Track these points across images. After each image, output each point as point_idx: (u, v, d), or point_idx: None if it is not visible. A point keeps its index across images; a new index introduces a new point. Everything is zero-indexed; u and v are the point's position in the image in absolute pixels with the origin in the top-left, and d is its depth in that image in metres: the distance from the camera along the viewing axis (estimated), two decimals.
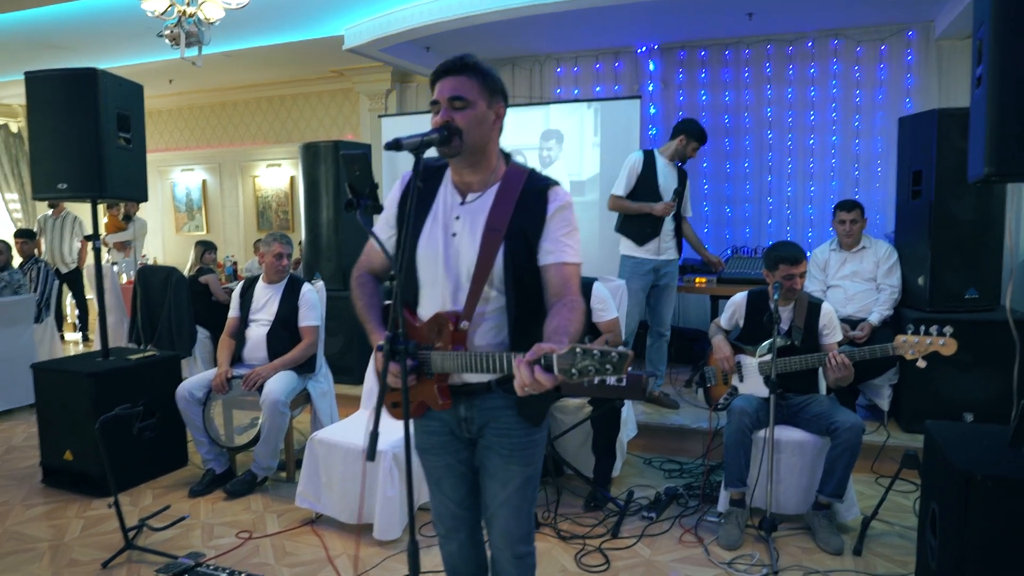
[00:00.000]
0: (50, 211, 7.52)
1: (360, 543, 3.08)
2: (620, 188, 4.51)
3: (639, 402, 4.40)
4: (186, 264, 6.72)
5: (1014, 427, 2.19)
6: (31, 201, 9.04)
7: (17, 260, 6.16)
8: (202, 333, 5.45)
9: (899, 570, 2.81)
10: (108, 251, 7.26)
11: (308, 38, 6.34)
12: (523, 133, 5.61)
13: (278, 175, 8.37)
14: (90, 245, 3.92)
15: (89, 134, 3.56)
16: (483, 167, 1.72)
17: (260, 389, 3.58)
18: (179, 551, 3.00)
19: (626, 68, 6.26)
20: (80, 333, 7.76)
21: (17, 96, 8.66)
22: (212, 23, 4.70)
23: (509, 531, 1.82)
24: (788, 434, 3.16)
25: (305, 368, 3.79)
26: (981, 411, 3.80)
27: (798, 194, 5.86)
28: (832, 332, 3.20)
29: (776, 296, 3.06)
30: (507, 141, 1.78)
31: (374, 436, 1.43)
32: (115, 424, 3.30)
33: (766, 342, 3.18)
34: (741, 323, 3.39)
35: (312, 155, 5.33)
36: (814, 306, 3.22)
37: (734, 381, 3.34)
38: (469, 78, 1.65)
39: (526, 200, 1.70)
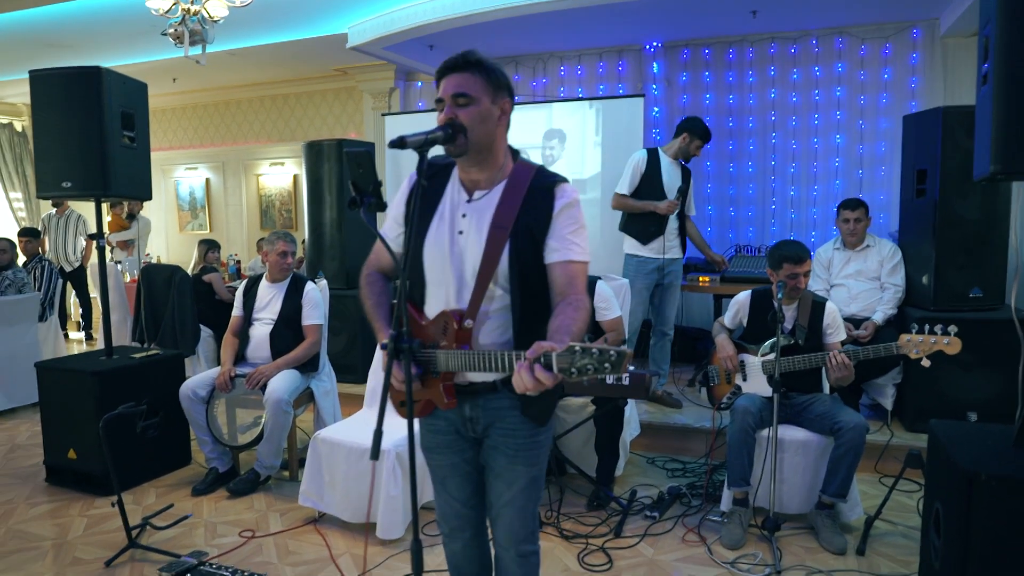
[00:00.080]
0: (54, 210, 7.54)
1: (365, 542, 3.08)
2: (624, 187, 4.50)
3: (642, 401, 4.40)
4: (190, 263, 6.74)
5: (1019, 426, 2.18)
6: (35, 200, 9.06)
7: (21, 259, 6.17)
8: (205, 332, 5.46)
9: (902, 570, 2.80)
10: (111, 250, 7.27)
11: (312, 36, 6.34)
12: (526, 132, 5.61)
13: (281, 174, 8.37)
14: (94, 244, 3.93)
15: (93, 133, 3.57)
16: (490, 164, 1.72)
17: (263, 388, 3.58)
18: (182, 550, 3.00)
19: (630, 68, 6.24)
20: (84, 332, 7.77)
21: (21, 95, 8.67)
22: (216, 21, 4.70)
23: (514, 530, 1.82)
24: (792, 433, 3.16)
25: (308, 367, 3.79)
26: (985, 410, 3.78)
27: (801, 196, 5.85)
28: (836, 331, 3.19)
29: (780, 295, 3.05)
30: (510, 140, 1.77)
31: (378, 434, 1.43)
32: (118, 423, 3.32)
33: (768, 341, 3.17)
34: (745, 322, 3.39)
35: (315, 154, 5.34)
36: (818, 305, 3.21)
37: (737, 380, 3.33)
38: (473, 75, 1.65)
39: (533, 197, 1.69)
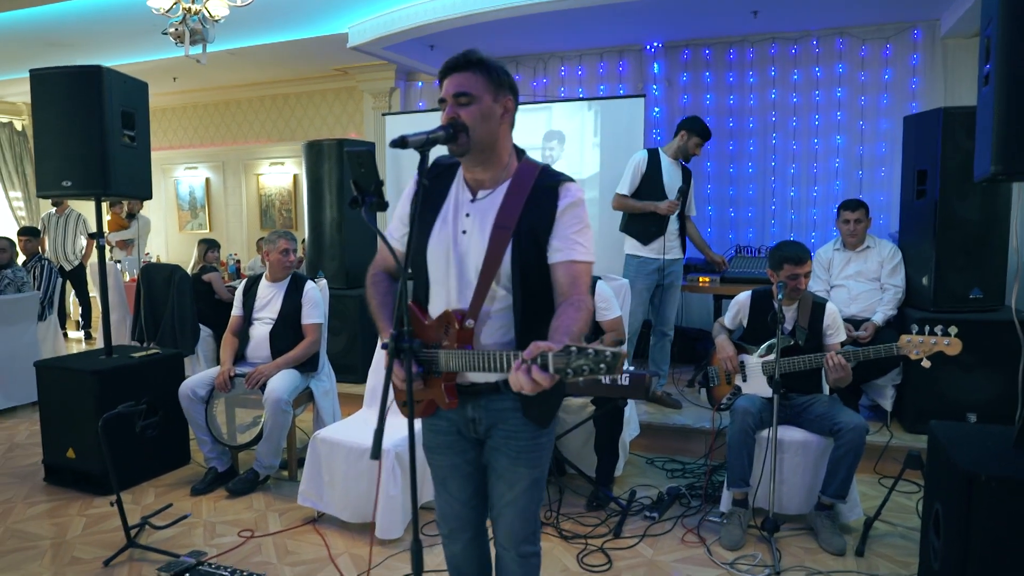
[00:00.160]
0: (54, 209, 7.54)
1: (364, 542, 3.08)
2: (625, 187, 4.50)
3: (642, 402, 4.39)
4: (189, 262, 6.74)
5: (1019, 427, 2.18)
6: (35, 199, 9.06)
7: (21, 258, 6.17)
8: (205, 331, 5.46)
9: (902, 571, 2.80)
10: (111, 249, 7.27)
11: (312, 36, 6.34)
12: (525, 133, 5.60)
13: (281, 173, 8.37)
14: (95, 243, 3.93)
15: (94, 132, 3.57)
16: (493, 164, 1.71)
17: (263, 387, 3.58)
18: (181, 549, 3.00)
19: (631, 68, 6.24)
20: (83, 331, 7.77)
21: (22, 94, 8.68)
22: (217, 21, 4.70)
23: (515, 531, 1.82)
24: (791, 434, 3.16)
25: (308, 367, 3.79)
26: (985, 412, 3.78)
27: (802, 197, 5.85)
28: (836, 332, 3.19)
29: (780, 296, 3.04)
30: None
31: (379, 434, 1.43)
32: (117, 422, 3.31)
33: (766, 343, 3.17)
34: (745, 323, 3.38)
35: (316, 153, 5.33)
36: (818, 306, 3.21)
37: (737, 381, 3.33)
38: (474, 73, 1.65)
39: (536, 197, 1.68)
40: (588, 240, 1.69)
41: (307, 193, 5.45)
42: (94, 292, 7.65)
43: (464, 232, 1.71)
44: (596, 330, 3.45)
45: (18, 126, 9.18)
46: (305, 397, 3.82)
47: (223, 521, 3.34)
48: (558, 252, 1.67)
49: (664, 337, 4.68)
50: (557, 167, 1.81)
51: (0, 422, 4.94)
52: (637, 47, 6.17)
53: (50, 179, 3.63)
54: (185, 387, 3.68)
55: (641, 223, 4.49)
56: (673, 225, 4.49)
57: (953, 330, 2.78)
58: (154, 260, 7.77)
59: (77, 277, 7.54)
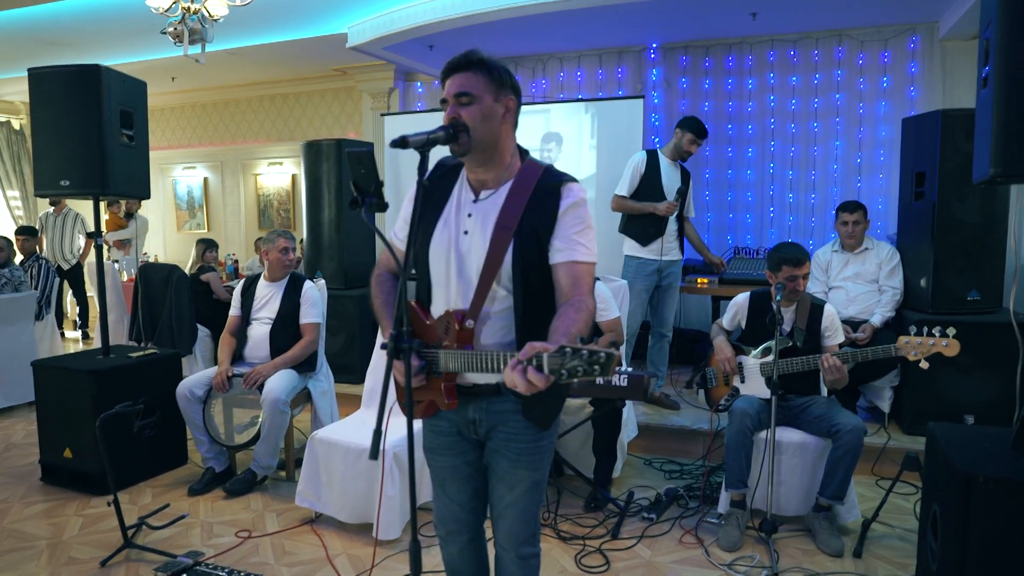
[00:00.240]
0: (51, 208, 7.52)
1: (362, 542, 3.07)
2: (623, 188, 4.50)
3: (640, 403, 4.40)
4: (187, 262, 6.72)
5: (1017, 429, 2.18)
6: (32, 198, 9.04)
7: (18, 257, 6.16)
8: (203, 331, 5.45)
9: (899, 572, 2.80)
10: (109, 249, 7.25)
11: (311, 36, 6.34)
12: (524, 136, 5.59)
13: (280, 173, 8.37)
14: (93, 242, 3.92)
15: (92, 131, 3.56)
16: (496, 164, 1.71)
17: (260, 388, 3.58)
18: (178, 550, 2.99)
19: (629, 72, 6.24)
20: (80, 331, 7.76)
21: (20, 93, 8.67)
22: (216, 20, 4.70)
23: (514, 532, 1.82)
24: (789, 435, 3.16)
25: (306, 367, 3.78)
26: (982, 413, 3.79)
27: (800, 203, 5.85)
28: (834, 334, 3.20)
29: (779, 297, 3.05)
30: None
31: (377, 434, 1.43)
32: (115, 422, 3.31)
33: (763, 345, 3.17)
34: (743, 324, 3.39)
35: (314, 153, 5.33)
36: (816, 308, 3.21)
37: (735, 382, 3.33)
38: (475, 73, 1.65)
39: (539, 197, 1.68)
40: (590, 241, 1.68)
41: (305, 193, 5.45)
42: (92, 292, 7.62)
43: (466, 232, 1.71)
44: (595, 330, 3.45)
45: (16, 125, 9.16)
46: (303, 397, 3.81)
47: (220, 521, 3.33)
48: (560, 252, 1.66)
49: (662, 338, 4.68)
50: (557, 167, 1.81)
51: None
52: (636, 48, 6.17)
53: (48, 178, 3.62)
54: (183, 387, 3.67)
55: (640, 224, 4.49)
56: (672, 226, 4.50)
57: (951, 331, 2.79)
58: (152, 260, 7.77)
59: (75, 277, 7.53)
